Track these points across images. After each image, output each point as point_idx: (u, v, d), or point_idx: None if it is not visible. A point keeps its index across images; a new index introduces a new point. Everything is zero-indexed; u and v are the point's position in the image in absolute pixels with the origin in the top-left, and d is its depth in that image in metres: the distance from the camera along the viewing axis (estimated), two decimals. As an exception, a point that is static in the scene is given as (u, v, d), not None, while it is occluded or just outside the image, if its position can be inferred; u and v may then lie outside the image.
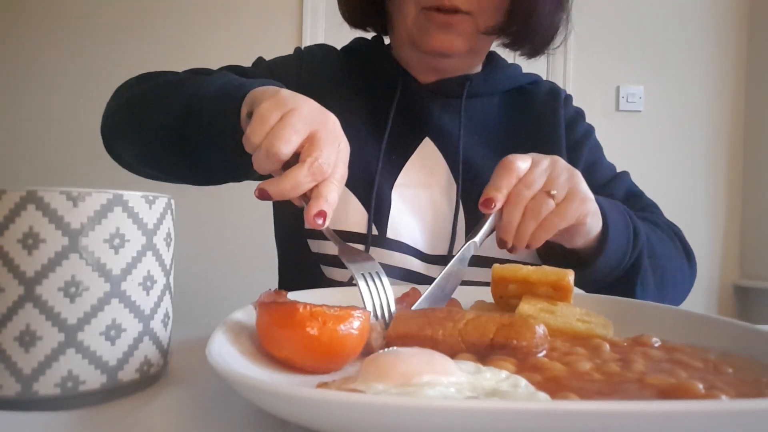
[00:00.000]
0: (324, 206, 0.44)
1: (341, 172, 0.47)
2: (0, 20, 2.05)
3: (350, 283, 0.70)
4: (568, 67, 2.16)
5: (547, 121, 0.80)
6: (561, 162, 0.54)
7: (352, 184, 0.70)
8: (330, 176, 0.46)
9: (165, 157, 0.64)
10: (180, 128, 0.58)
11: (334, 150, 0.46)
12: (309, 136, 0.45)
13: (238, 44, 2.06)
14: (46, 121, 2.05)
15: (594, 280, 0.63)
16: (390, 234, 0.70)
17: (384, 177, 0.73)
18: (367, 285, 0.47)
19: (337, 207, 0.66)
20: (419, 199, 0.73)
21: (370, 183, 0.71)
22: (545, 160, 0.53)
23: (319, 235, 0.72)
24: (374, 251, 0.69)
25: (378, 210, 0.70)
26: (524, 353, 0.37)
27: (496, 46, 0.83)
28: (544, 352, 0.38)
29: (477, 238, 0.53)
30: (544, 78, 0.89)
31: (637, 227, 0.64)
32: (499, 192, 0.52)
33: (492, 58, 0.85)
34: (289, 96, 0.47)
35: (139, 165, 0.72)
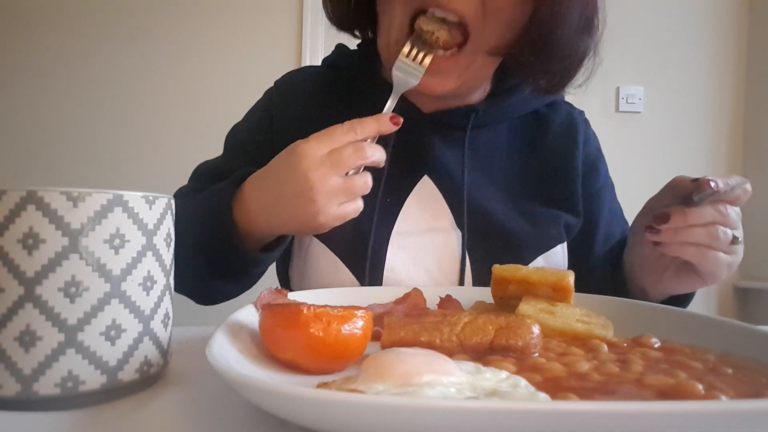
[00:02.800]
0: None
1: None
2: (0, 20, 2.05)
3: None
4: (568, 67, 2.16)
5: (561, 162, 0.72)
6: None
7: (342, 250, 0.65)
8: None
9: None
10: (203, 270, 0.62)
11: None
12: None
13: (238, 44, 2.06)
14: (46, 121, 2.05)
15: None
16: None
17: (379, 228, 0.66)
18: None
19: (327, 274, 0.66)
20: (421, 247, 0.66)
21: (365, 247, 0.65)
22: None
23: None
24: None
25: (372, 275, 0.65)
26: (522, 353, 0.37)
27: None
28: (537, 353, 0.38)
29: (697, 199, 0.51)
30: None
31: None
32: (723, 186, 0.50)
33: (504, 79, 0.74)
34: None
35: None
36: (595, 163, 0.77)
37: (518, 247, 0.67)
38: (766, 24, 2.18)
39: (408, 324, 0.40)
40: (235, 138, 0.77)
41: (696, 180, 0.51)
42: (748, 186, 0.52)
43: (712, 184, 0.49)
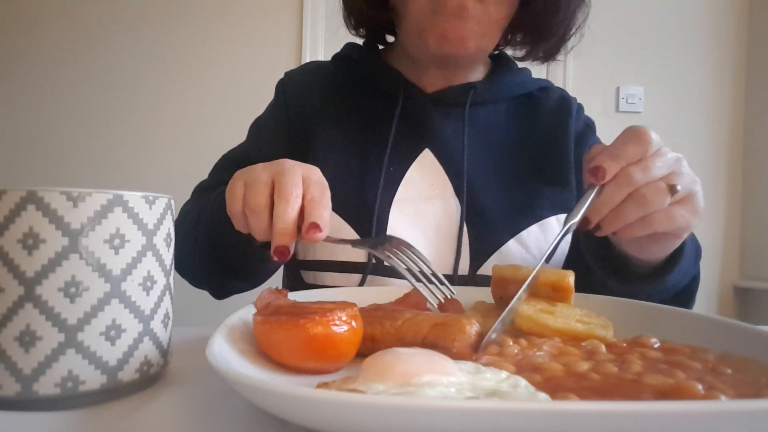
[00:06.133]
0: (314, 220, 0.44)
1: (315, 192, 0.46)
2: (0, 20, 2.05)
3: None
4: (568, 68, 2.16)
5: (555, 134, 0.76)
6: (685, 162, 0.47)
7: (347, 212, 0.69)
8: (308, 200, 0.45)
9: (218, 276, 0.69)
10: (215, 260, 0.64)
11: (294, 175, 0.46)
12: (272, 180, 0.46)
13: (238, 44, 2.06)
14: (46, 121, 2.05)
15: (649, 297, 0.56)
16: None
17: (382, 196, 0.69)
18: (414, 275, 0.49)
19: (333, 237, 0.67)
20: (420, 213, 0.70)
21: (369, 211, 0.68)
22: (672, 152, 0.46)
23: (310, 266, 0.71)
24: (372, 279, 0.68)
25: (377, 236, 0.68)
26: (456, 354, 0.36)
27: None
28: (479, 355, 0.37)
29: (577, 219, 0.45)
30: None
31: (698, 244, 0.60)
32: (615, 163, 0.44)
33: (501, 62, 0.81)
34: (241, 171, 0.49)
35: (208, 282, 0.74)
36: (586, 132, 0.80)
37: (513, 215, 0.70)
38: (766, 24, 2.18)
39: (363, 317, 0.41)
40: (256, 126, 0.83)
41: (595, 150, 0.47)
42: (644, 133, 0.44)
43: (600, 169, 0.44)
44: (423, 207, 0.70)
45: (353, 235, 0.68)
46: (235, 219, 0.49)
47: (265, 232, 0.46)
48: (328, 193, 0.47)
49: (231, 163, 0.79)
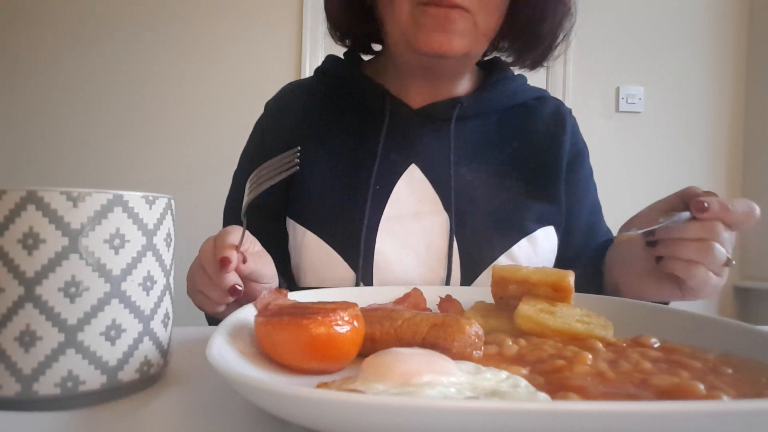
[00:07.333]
0: (223, 254, 0.48)
1: (220, 242, 0.50)
2: (0, 20, 2.05)
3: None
4: (568, 68, 2.16)
5: (548, 149, 0.76)
6: None
7: (334, 240, 0.68)
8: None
9: None
10: None
11: (207, 251, 0.51)
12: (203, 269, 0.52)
13: (238, 44, 2.06)
14: (46, 121, 2.05)
15: None
16: (377, 285, 0.67)
17: (370, 215, 0.69)
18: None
19: (321, 266, 0.69)
20: (409, 231, 0.69)
21: (356, 236, 0.68)
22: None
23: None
24: None
25: (365, 261, 0.68)
26: (455, 354, 0.36)
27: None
28: (480, 353, 0.38)
29: (656, 227, 0.50)
30: (544, 80, 0.86)
31: None
32: (718, 211, 0.48)
33: (495, 69, 0.80)
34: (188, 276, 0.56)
35: None
36: (581, 154, 0.80)
37: (503, 229, 0.70)
38: (766, 24, 2.18)
39: (363, 317, 0.41)
40: (240, 168, 0.83)
41: (707, 192, 0.50)
42: (756, 212, 0.49)
43: (705, 204, 0.48)
44: (411, 225, 0.70)
45: (341, 261, 0.68)
46: (206, 309, 0.55)
47: (215, 292, 0.51)
48: (228, 238, 0.51)
49: (230, 213, 0.81)
